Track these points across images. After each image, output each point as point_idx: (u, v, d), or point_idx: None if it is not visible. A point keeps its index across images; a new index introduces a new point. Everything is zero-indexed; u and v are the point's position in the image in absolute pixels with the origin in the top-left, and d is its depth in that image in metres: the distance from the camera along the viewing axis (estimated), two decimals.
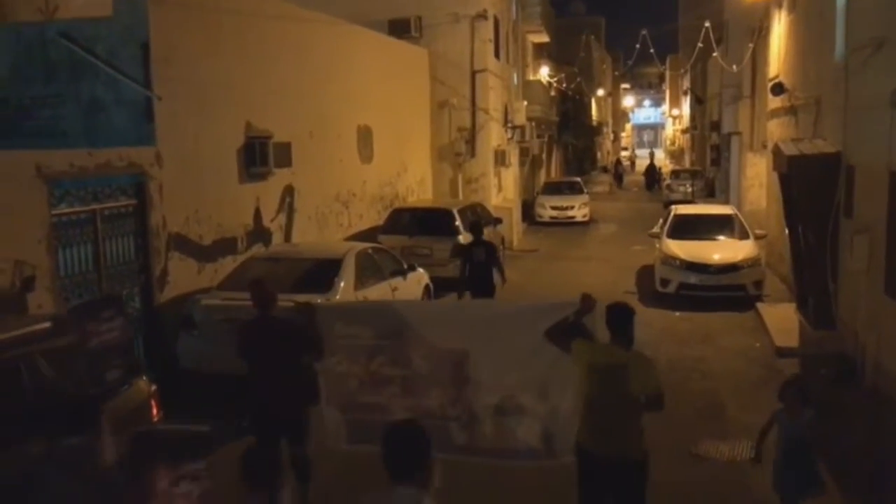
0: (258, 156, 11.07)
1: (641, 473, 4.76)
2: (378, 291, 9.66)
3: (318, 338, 5.24)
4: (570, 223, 25.35)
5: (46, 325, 5.53)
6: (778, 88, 14.31)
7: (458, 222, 14.40)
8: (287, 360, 5.46)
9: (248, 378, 5.84)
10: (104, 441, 3.88)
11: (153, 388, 5.91)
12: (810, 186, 10.04)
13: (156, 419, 5.84)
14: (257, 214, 11.45)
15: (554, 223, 25.17)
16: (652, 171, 41.72)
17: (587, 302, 5.05)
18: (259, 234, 11.46)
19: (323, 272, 9.10)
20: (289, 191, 12.34)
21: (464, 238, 13.97)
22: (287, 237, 12.28)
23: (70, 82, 9.26)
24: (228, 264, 10.24)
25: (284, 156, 11.61)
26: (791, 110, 13.51)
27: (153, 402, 5.83)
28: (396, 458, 3.03)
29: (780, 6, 14.98)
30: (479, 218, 13.74)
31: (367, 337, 5.11)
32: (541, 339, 4.93)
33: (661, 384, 4.85)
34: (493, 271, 10.83)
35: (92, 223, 8.28)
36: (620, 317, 4.86)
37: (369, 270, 9.85)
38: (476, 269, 10.68)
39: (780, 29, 15.09)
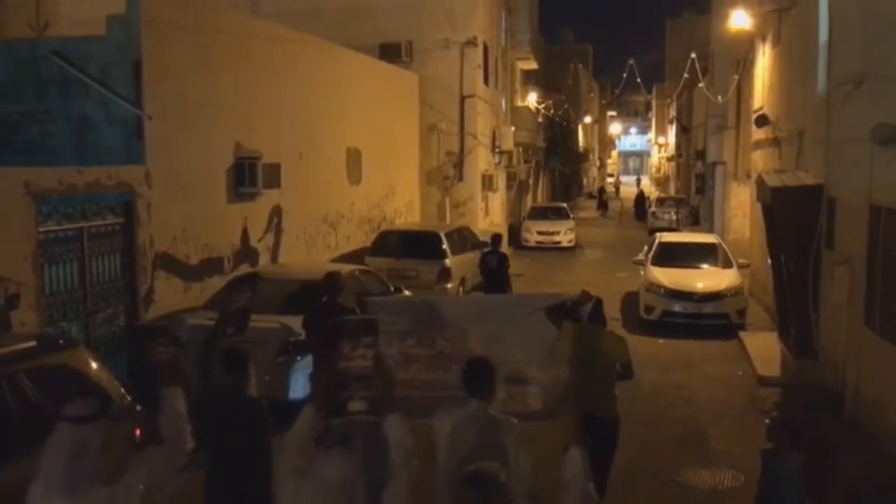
0: (247, 176, 11.10)
1: (615, 431, 6.10)
2: None
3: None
4: (555, 248, 25.48)
5: (31, 343, 5.51)
6: (762, 120, 14.54)
7: (445, 245, 14.45)
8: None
9: (315, 362, 6.87)
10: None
11: (137, 408, 5.88)
12: (793, 218, 10.19)
13: (138, 439, 5.80)
14: (245, 234, 11.45)
15: (540, 248, 25.29)
16: (641, 200, 39.66)
17: (585, 296, 6.33)
18: (246, 254, 11.46)
19: (310, 293, 9.09)
20: (277, 211, 12.36)
21: (450, 262, 14.04)
22: (274, 258, 12.28)
23: (60, 100, 9.27)
24: (215, 284, 10.22)
25: (273, 176, 11.65)
26: (775, 142, 13.73)
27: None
28: (473, 378, 4.20)
29: (764, 39, 15.27)
30: (472, 236, 15.74)
31: (403, 324, 5.84)
32: (543, 320, 5.92)
33: (630, 356, 6.32)
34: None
35: (79, 241, 8.26)
36: (595, 305, 6.38)
37: (353, 293, 9.84)
38: (489, 274, 12.94)
39: (764, 62, 15.37)
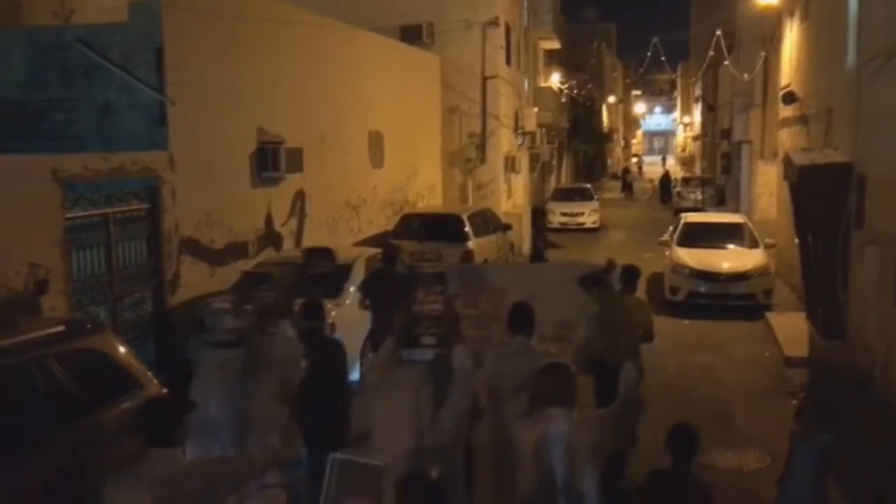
0: (270, 160, 11.14)
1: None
2: None
3: None
4: (579, 230, 25.33)
5: (61, 328, 5.60)
6: (789, 97, 14.28)
7: (467, 228, 14.42)
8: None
9: (373, 317, 8.03)
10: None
11: (164, 391, 5.96)
12: (821, 196, 10.03)
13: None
14: (269, 219, 11.51)
15: (563, 229, 25.15)
16: (667, 182, 37.13)
17: (611, 264, 7.05)
18: (270, 238, 11.53)
19: (333, 277, 9.15)
20: (300, 195, 12.40)
21: (473, 244, 14.01)
22: (298, 242, 12.34)
23: (85, 87, 9.36)
24: (240, 268, 10.30)
25: (296, 161, 11.68)
26: (802, 119, 13.49)
27: None
28: (517, 318, 4.95)
29: (792, 15, 14.96)
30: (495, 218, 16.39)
31: (452, 287, 6.28)
32: (576, 287, 6.61)
33: (652, 323, 7.23)
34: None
35: (105, 227, 8.36)
36: (630, 274, 7.25)
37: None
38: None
39: (791, 38, 15.07)
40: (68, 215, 7.82)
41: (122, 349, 5.87)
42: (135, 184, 8.79)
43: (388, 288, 7.74)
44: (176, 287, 9.35)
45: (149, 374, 6.00)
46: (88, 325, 6.55)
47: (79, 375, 5.25)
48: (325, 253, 9.07)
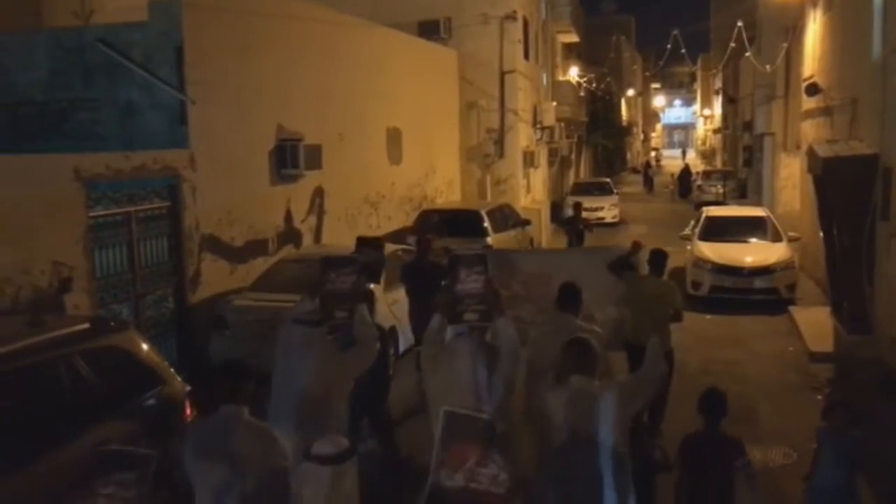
0: (289, 158, 11.18)
1: (669, 363, 6.64)
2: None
3: None
4: (599, 224, 25.17)
5: (85, 325, 5.65)
6: (812, 89, 14.09)
7: (486, 223, 14.38)
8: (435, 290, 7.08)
9: (412, 304, 8.80)
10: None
11: (187, 388, 6.00)
12: (846, 189, 9.88)
13: (189, 419, 5.93)
14: (288, 216, 11.55)
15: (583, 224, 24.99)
16: (686, 177, 35.71)
17: (636, 246, 7.56)
18: (290, 235, 11.57)
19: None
20: (319, 192, 12.43)
21: (492, 239, 13.97)
22: (317, 238, 12.38)
23: (107, 86, 9.43)
24: (260, 265, 10.36)
25: (315, 157, 11.71)
26: (826, 111, 13.30)
27: (187, 402, 5.92)
28: (565, 295, 5.53)
29: (815, 5, 14.76)
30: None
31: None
32: (605, 270, 6.92)
33: (682, 304, 7.71)
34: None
35: (127, 225, 8.43)
36: (658, 258, 7.66)
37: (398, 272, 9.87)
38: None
39: (815, 28, 14.87)
40: (91, 214, 7.90)
41: (144, 346, 5.91)
42: (156, 182, 8.86)
43: (423, 276, 8.50)
44: (197, 284, 9.41)
45: (171, 370, 6.04)
46: (112, 323, 6.60)
47: (103, 373, 5.29)
48: (374, 243, 9.25)
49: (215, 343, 8.79)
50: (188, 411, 5.90)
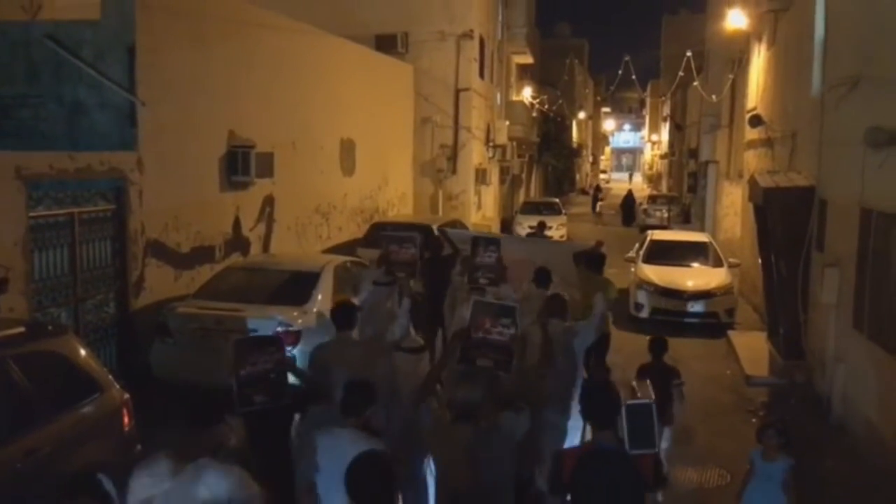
0: (240, 165, 11.05)
1: (607, 340, 8.51)
2: None
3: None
4: None
5: (20, 329, 5.48)
6: (756, 120, 14.57)
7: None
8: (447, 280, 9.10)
9: (427, 291, 9.40)
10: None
11: (125, 396, 5.86)
12: (784, 218, 10.23)
13: (127, 428, 5.79)
14: (237, 223, 11.41)
15: None
16: (630, 203, 34.33)
17: (598, 244, 10.43)
18: (238, 243, 11.42)
19: (300, 284, 9.07)
20: (269, 201, 12.32)
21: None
22: (266, 247, 12.24)
23: (53, 84, 9.20)
24: (206, 273, 10.19)
25: (266, 165, 11.60)
26: (768, 142, 13.77)
27: (125, 411, 5.79)
28: (539, 276, 7.84)
29: (760, 39, 15.29)
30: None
31: (469, 249, 8.04)
32: (570, 259, 8.87)
33: (616, 295, 9.82)
34: None
35: (70, 226, 8.21)
36: (599, 259, 9.65)
37: (347, 284, 9.83)
38: None
39: (759, 62, 15.40)
40: (32, 214, 7.67)
41: (83, 352, 5.76)
42: (102, 184, 8.66)
43: (437, 270, 9.53)
44: (140, 290, 9.21)
45: (110, 377, 5.89)
46: (49, 328, 6.42)
47: (38, 379, 5.14)
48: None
49: (157, 350, 8.59)
50: (126, 419, 5.77)
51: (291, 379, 5.31)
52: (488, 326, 5.15)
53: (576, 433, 5.86)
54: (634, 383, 6.11)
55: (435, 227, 12.77)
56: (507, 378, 5.13)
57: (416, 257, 7.02)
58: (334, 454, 3.88)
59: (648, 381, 5.89)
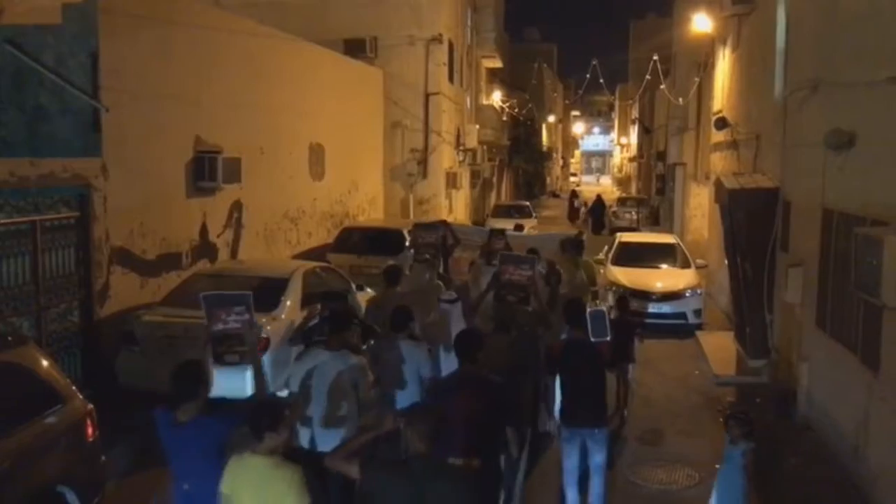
0: (207, 170, 10.94)
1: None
2: None
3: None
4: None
5: None
6: (721, 123, 14.76)
7: (408, 242, 14.39)
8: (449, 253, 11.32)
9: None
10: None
11: (89, 406, 5.77)
12: (749, 219, 10.37)
13: (90, 439, 5.69)
14: (204, 230, 11.29)
15: None
16: (599, 208, 31.77)
17: (580, 233, 12.29)
18: (205, 249, 11.30)
19: (269, 290, 8.97)
20: (237, 206, 12.21)
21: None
22: (234, 254, 12.13)
23: (14, 89, 9.03)
24: (172, 280, 10.06)
25: (234, 171, 11.50)
26: (733, 144, 13.97)
27: (89, 421, 5.69)
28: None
29: (724, 43, 15.52)
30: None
31: (473, 240, 11.06)
32: (559, 245, 10.89)
33: (597, 279, 11.68)
34: None
35: (31, 234, 8.04)
36: (580, 244, 11.10)
37: (316, 289, 9.77)
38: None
39: (724, 65, 15.63)
40: None
41: (45, 362, 5.65)
42: (65, 191, 8.51)
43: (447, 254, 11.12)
44: (105, 298, 9.07)
45: (73, 388, 5.79)
46: (9, 338, 6.28)
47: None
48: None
49: (123, 359, 8.46)
50: (89, 430, 5.67)
51: (248, 383, 5.48)
52: (512, 270, 7.47)
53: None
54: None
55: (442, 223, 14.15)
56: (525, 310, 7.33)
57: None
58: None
59: (599, 301, 8.14)
